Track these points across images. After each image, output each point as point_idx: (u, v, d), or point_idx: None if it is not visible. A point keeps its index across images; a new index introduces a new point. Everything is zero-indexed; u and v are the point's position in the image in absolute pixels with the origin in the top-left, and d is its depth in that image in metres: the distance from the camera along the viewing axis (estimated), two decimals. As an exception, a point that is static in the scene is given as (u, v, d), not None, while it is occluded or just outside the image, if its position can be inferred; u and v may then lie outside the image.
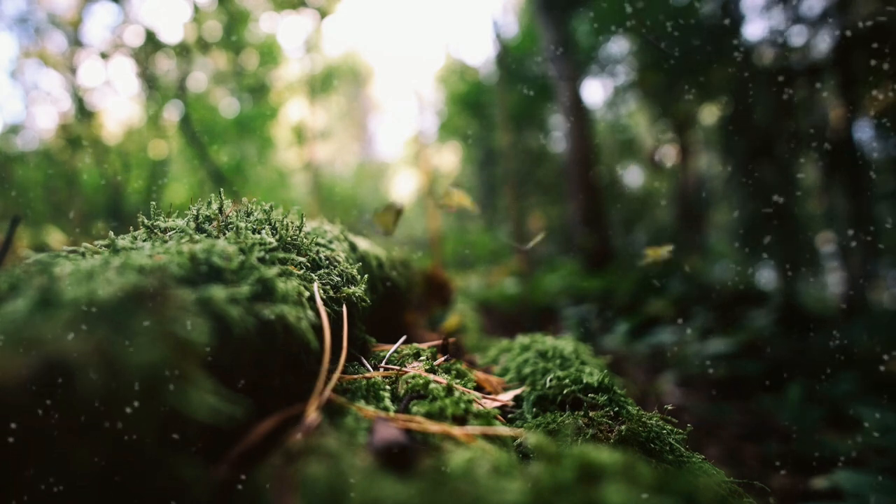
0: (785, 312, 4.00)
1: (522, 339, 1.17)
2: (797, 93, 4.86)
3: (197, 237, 0.65)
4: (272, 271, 0.61)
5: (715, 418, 2.84)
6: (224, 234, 0.71)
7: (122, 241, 0.65)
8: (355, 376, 0.70)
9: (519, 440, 0.73)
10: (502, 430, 0.65)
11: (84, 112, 5.42)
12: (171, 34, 5.68)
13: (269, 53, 6.77)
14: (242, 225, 0.76)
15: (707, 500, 0.40)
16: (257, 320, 0.53)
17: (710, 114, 7.26)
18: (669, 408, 0.83)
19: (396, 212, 1.30)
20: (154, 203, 0.78)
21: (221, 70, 6.55)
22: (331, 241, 0.97)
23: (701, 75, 5.22)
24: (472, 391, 0.79)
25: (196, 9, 5.47)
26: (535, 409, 0.88)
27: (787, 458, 2.31)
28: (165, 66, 5.70)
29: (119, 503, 0.38)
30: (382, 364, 0.81)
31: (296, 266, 0.73)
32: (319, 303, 0.69)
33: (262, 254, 0.66)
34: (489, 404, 0.81)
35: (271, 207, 0.88)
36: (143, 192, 5.64)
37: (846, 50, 4.22)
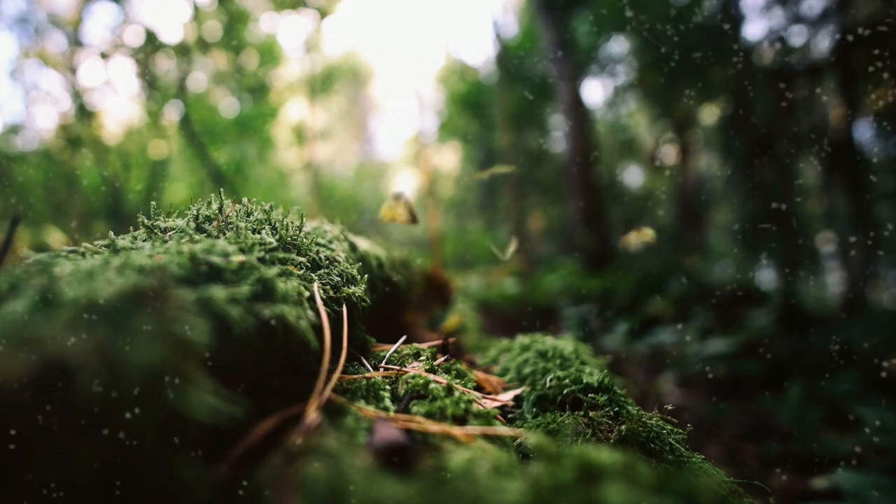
0: (785, 312, 4.00)
1: (522, 340, 1.17)
2: (797, 93, 4.86)
3: (197, 237, 0.65)
4: (272, 271, 0.61)
5: (715, 418, 2.84)
6: (224, 234, 0.71)
7: (122, 241, 0.65)
8: (355, 376, 0.70)
9: (519, 440, 0.73)
10: (502, 430, 0.65)
11: (84, 112, 5.42)
12: (171, 34, 5.69)
13: (269, 53, 6.78)
14: (242, 225, 0.76)
15: (707, 500, 0.40)
16: (257, 320, 0.53)
17: (710, 114, 7.26)
18: (669, 408, 0.83)
19: (406, 202, 1.25)
20: (154, 203, 0.78)
21: (221, 70, 6.56)
22: (331, 241, 0.97)
23: (701, 75, 5.23)
24: (472, 391, 0.79)
25: (196, 9, 5.48)
26: (535, 409, 0.88)
27: (787, 458, 2.31)
28: (165, 66, 5.70)
29: (119, 503, 0.38)
30: (382, 364, 0.81)
31: (296, 266, 0.73)
32: (319, 303, 0.69)
33: (262, 254, 0.66)
34: (489, 404, 0.81)
35: (271, 207, 0.88)
36: (143, 192, 5.65)
37: (846, 50, 4.22)
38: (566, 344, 1.10)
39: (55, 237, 4.09)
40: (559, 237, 10.41)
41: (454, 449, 0.54)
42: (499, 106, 7.57)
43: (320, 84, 7.69)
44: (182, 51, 5.49)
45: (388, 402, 0.64)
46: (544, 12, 6.72)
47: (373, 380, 0.68)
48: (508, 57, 8.08)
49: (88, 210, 5.46)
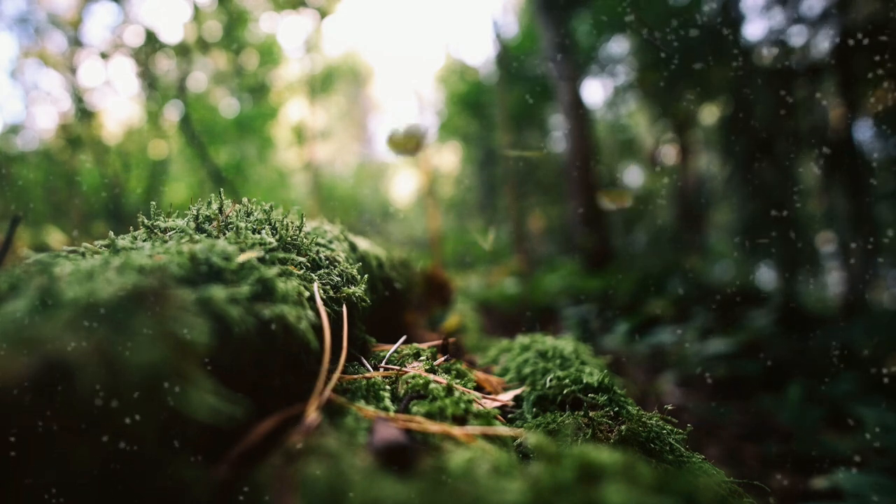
0: (785, 312, 3.99)
1: (522, 339, 1.17)
2: (797, 93, 4.86)
3: (197, 237, 0.65)
4: (272, 271, 0.61)
5: (715, 418, 2.84)
6: (224, 234, 0.71)
7: (122, 241, 0.65)
8: (355, 376, 0.70)
9: (519, 440, 0.73)
10: (502, 430, 0.65)
11: (84, 112, 5.42)
12: (171, 34, 5.69)
13: (269, 53, 6.78)
14: (242, 225, 0.76)
15: (707, 500, 0.40)
16: (257, 320, 0.53)
17: (710, 114, 7.26)
18: (669, 408, 0.83)
19: (420, 136, 1.21)
20: (154, 203, 0.78)
21: (221, 70, 6.56)
22: (331, 241, 0.97)
23: (701, 75, 5.23)
24: (472, 391, 0.79)
25: (196, 9, 5.48)
26: (535, 409, 0.88)
27: (787, 458, 2.31)
28: (165, 66, 5.70)
29: (119, 503, 0.38)
30: (382, 364, 0.81)
31: (296, 266, 0.73)
32: (319, 303, 0.69)
33: (262, 254, 0.66)
34: (489, 404, 0.81)
35: (271, 207, 0.88)
36: (143, 192, 5.65)
37: (846, 50, 4.22)
38: (566, 344, 1.10)
39: (55, 237, 4.08)
40: (559, 237, 10.40)
41: (454, 449, 0.54)
42: (499, 106, 7.57)
43: (320, 84, 7.68)
44: (182, 51, 5.49)
45: (388, 402, 0.64)
46: (544, 12, 6.72)
47: (373, 380, 0.68)
48: (508, 57, 8.08)
49: (88, 210, 5.46)
